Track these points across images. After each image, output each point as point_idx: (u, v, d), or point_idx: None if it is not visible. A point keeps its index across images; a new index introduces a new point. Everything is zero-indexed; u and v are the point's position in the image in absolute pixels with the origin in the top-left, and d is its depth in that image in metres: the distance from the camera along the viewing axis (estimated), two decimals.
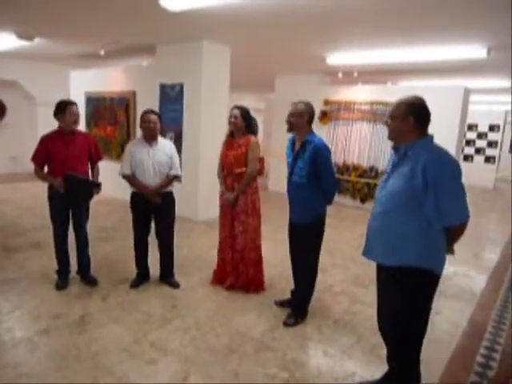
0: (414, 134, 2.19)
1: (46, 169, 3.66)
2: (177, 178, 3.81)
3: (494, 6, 3.80)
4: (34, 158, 3.59)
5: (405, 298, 2.22)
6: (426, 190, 2.06)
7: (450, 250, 2.26)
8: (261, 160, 3.79)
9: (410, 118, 2.17)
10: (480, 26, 4.56)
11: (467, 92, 7.45)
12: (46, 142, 3.59)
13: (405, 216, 2.16)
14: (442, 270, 2.23)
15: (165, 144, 3.81)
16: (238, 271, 3.84)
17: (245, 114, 3.69)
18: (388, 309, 2.37)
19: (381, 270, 2.40)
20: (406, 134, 2.21)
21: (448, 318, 3.58)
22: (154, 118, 3.66)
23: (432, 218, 2.09)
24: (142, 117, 3.69)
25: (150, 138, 3.70)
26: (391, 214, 2.22)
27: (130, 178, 3.71)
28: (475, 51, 5.60)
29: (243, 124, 3.68)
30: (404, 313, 2.25)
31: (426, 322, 2.30)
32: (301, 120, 3.19)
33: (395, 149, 2.31)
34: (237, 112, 3.67)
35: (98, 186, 3.65)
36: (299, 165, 3.19)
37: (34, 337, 2.94)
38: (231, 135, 3.79)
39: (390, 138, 2.32)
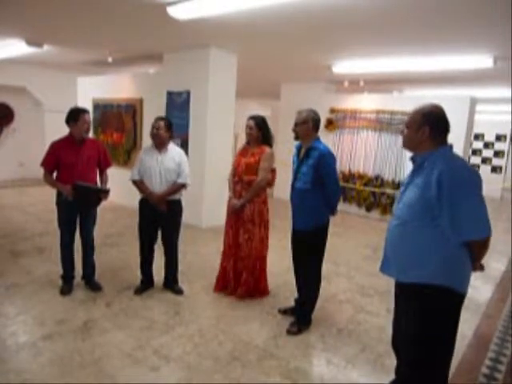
0: (431, 144, 2.07)
1: (54, 174, 3.69)
2: (184, 186, 3.80)
3: (500, 16, 3.80)
4: (44, 164, 3.63)
5: (423, 319, 2.05)
6: (441, 202, 1.92)
7: (477, 267, 2.08)
8: (273, 171, 3.78)
9: (426, 128, 2.05)
10: (486, 35, 4.56)
11: (473, 101, 7.45)
12: (56, 148, 3.62)
13: (420, 229, 2.03)
14: (467, 289, 2.05)
15: (175, 151, 3.81)
16: (240, 280, 3.83)
17: (260, 123, 3.69)
18: (405, 328, 2.19)
19: (398, 286, 2.27)
20: (421, 144, 2.09)
21: None
22: (160, 124, 3.68)
23: (448, 232, 1.95)
24: (152, 123, 3.73)
25: (157, 144, 3.73)
26: (406, 227, 2.09)
27: (138, 184, 3.75)
28: (481, 61, 5.59)
29: (258, 134, 3.69)
30: (421, 334, 2.07)
31: (449, 347, 2.10)
32: (306, 128, 3.20)
33: (413, 159, 2.19)
34: (251, 122, 3.68)
35: (106, 192, 3.68)
36: (303, 170, 3.20)
37: (37, 342, 2.95)
38: (248, 143, 3.79)
39: (405, 146, 2.22)
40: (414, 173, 2.14)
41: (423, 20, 4.13)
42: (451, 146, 2.09)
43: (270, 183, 3.80)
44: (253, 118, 3.72)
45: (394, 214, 2.23)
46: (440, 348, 2.08)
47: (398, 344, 2.36)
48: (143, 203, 3.80)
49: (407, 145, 2.19)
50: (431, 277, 2.01)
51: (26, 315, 3.35)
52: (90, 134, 3.89)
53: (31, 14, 4.80)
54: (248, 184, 3.68)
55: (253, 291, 3.86)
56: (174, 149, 3.83)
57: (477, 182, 1.96)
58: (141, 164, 3.75)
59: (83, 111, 3.65)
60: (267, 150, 3.68)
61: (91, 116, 3.95)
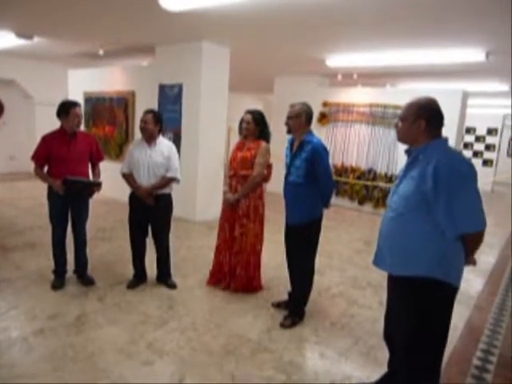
0: (426, 137, 2.05)
1: (46, 168, 3.64)
2: (173, 180, 3.75)
3: (493, 11, 3.81)
4: (35, 158, 3.58)
5: (416, 312, 2.06)
6: (437, 194, 1.91)
7: (470, 261, 2.09)
8: (269, 166, 3.76)
9: (421, 121, 2.04)
10: (479, 30, 4.57)
11: (465, 95, 7.48)
12: (47, 141, 3.57)
13: (415, 222, 2.02)
14: (460, 282, 2.05)
15: (164, 145, 3.76)
16: (234, 274, 3.83)
17: (258, 118, 3.65)
18: (398, 321, 2.20)
19: (391, 279, 2.27)
20: (417, 138, 2.08)
21: None
22: (148, 117, 3.63)
23: (443, 224, 1.94)
24: (141, 116, 3.70)
25: (145, 137, 3.70)
26: (401, 219, 2.08)
27: (127, 177, 3.73)
28: (474, 55, 5.62)
29: (256, 129, 3.64)
30: (415, 326, 2.07)
31: (442, 338, 2.10)
32: (299, 121, 3.19)
33: (408, 152, 2.18)
34: (249, 117, 3.63)
35: (98, 184, 3.65)
36: (296, 164, 3.19)
37: (29, 337, 2.93)
38: (245, 137, 3.73)
39: (400, 140, 2.20)
40: (409, 165, 2.13)
41: (416, 14, 4.12)
42: (446, 139, 2.09)
43: (266, 178, 3.78)
44: (250, 112, 3.66)
45: (388, 206, 2.22)
46: (433, 340, 2.09)
47: (390, 336, 2.38)
48: (133, 197, 3.77)
49: (402, 138, 2.18)
50: (425, 270, 2.00)
51: (18, 310, 3.32)
52: (82, 128, 3.84)
53: (20, 5, 4.72)
54: (243, 178, 3.65)
55: (246, 286, 3.85)
56: (163, 142, 3.79)
57: (473, 174, 1.94)
58: (130, 157, 3.72)
59: (74, 105, 3.59)
60: (263, 144, 3.65)
61: (82, 108, 3.89)
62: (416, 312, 2.06)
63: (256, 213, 3.72)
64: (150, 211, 3.73)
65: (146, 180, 3.66)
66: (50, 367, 2.60)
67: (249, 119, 3.63)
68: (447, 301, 2.07)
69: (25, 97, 9.75)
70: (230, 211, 3.76)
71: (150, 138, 3.69)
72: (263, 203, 3.80)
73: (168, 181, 3.72)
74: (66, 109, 3.53)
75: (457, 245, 2.00)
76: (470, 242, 2.01)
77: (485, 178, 12.24)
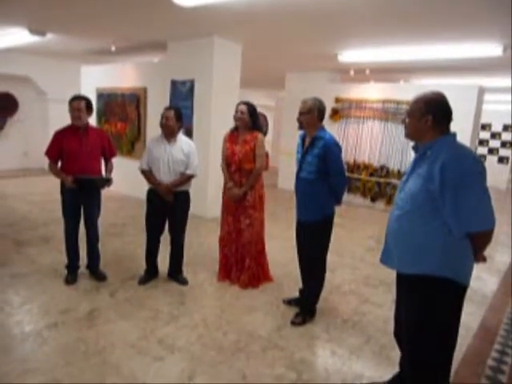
0: (434, 132, 2.01)
1: (59, 164, 3.67)
2: (193, 177, 3.79)
3: (510, 4, 3.71)
4: (48, 153, 3.62)
5: (424, 310, 2.02)
6: (444, 192, 1.88)
7: (480, 258, 2.05)
8: (266, 156, 3.82)
9: (429, 116, 2.00)
10: (496, 23, 4.47)
11: (481, 91, 7.34)
12: (59, 137, 3.61)
13: (422, 220, 1.99)
14: (469, 280, 2.01)
15: (183, 142, 3.77)
16: (243, 265, 3.88)
17: (252, 110, 3.71)
18: (406, 320, 2.18)
19: (400, 277, 2.24)
20: (425, 134, 2.03)
21: None
22: (170, 114, 3.64)
23: (450, 223, 1.91)
24: (162, 113, 3.71)
25: (166, 134, 3.71)
26: (408, 217, 2.05)
27: (146, 174, 3.74)
28: (490, 49, 5.50)
29: (250, 120, 3.70)
30: (423, 325, 2.05)
31: (451, 338, 2.06)
32: (311, 117, 3.15)
33: (415, 148, 2.15)
34: (244, 108, 3.68)
35: (108, 181, 3.68)
36: (308, 160, 3.15)
37: (42, 331, 2.96)
38: (235, 129, 3.81)
39: (407, 136, 2.17)
40: (417, 162, 2.10)
41: (431, 8, 4.05)
42: (455, 135, 2.04)
43: (266, 167, 3.84)
44: (244, 103, 3.72)
45: (395, 203, 2.19)
46: (442, 339, 2.05)
47: (400, 334, 2.35)
48: (151, 193, 3.79)
49: (410, 134, 2.15)
50: (433, 268, 1.98)
51: (31, 304, 3.36)
52: (94, 123, 3.86)
53: (33, 1, 4.75)
54: (248, 172, 3.73)
55: (256, 277, 3.92)
56: (183, 139, 3.80)
57: (480, 171, 1.89)
58: (149, 154, 3.73)
59: (74, 98, 3.60)
60: (259, 136, 3.73)
61: (95, 105, 3.90)
62: (424, 311, 2.03)
63: (261, 201, 3.85)
64: (169, 207, 3.75)
65: (166, 177, 3.67)
66: (62, 362, 2.63)
67: (243, 109, 3.68)
68: (456, 299, 2.03)
69: (38, 93, 9.84)
70: (235, 204, 3.81)
71: (170, 135, 3.70)
72: (264, 191, 3.93)
73: (188, 178, 3.75)
74: (68, 103, 3.59)
75: (465, 242, 1.96)
76: (478, 241, 1.97)
77: (500, 176, 12.05)
